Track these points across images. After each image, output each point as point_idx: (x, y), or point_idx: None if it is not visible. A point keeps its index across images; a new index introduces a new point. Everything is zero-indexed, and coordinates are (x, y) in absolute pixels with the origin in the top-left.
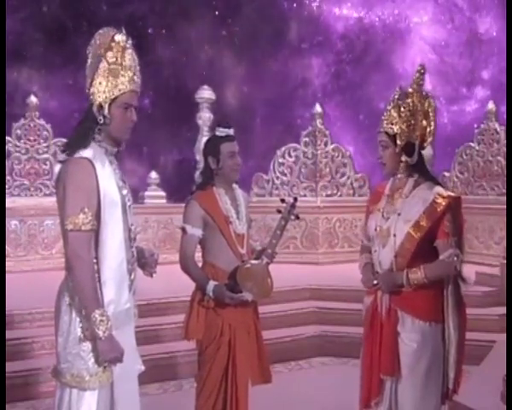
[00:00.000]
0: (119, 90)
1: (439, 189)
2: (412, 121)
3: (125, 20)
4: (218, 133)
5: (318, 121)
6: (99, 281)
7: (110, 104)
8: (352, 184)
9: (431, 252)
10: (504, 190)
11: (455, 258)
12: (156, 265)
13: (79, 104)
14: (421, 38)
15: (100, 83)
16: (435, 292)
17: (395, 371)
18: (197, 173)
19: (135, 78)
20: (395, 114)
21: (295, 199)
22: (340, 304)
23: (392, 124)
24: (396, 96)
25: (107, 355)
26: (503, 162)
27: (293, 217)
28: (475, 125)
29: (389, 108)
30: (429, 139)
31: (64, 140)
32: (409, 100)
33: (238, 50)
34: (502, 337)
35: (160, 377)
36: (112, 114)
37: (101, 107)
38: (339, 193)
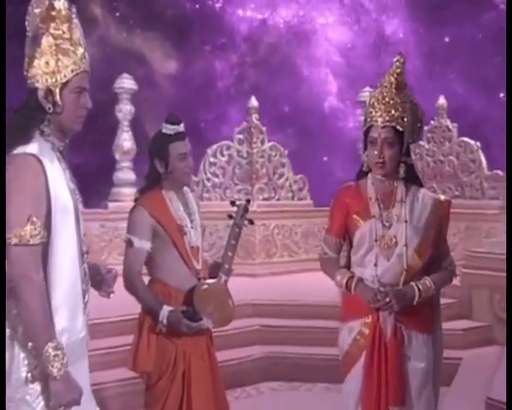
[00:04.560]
0: (72, 71)
1: (431, 193)
2: (413, 117)
3: None
4: (165, 131)
5: (254, 116)
6: (49, 306)
7: (61, 88)
8: (290, 186)
9: (429, 260)
10: (457, 193)
11: (454, 265)
12: (114, 283)
13: None
14: (327, 39)
15: (47, 63)
16: (427, 303)
17: (405, 400)
18: (116, 175)
19: (86, 54)
20: (400, 108)
21: (248, 201)
22: (287, 321)
23: (401, 119)
24: (394, 85)
25: (64, 398)
26: (456, 162)
27: (246, 222)
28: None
29: (394, 98)
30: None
31: None
32: (406, 91)
33: (139, 52)
34: (467, 354)
35: None
36: (63, 100)
37: (49, 92)
38: (276, 196)
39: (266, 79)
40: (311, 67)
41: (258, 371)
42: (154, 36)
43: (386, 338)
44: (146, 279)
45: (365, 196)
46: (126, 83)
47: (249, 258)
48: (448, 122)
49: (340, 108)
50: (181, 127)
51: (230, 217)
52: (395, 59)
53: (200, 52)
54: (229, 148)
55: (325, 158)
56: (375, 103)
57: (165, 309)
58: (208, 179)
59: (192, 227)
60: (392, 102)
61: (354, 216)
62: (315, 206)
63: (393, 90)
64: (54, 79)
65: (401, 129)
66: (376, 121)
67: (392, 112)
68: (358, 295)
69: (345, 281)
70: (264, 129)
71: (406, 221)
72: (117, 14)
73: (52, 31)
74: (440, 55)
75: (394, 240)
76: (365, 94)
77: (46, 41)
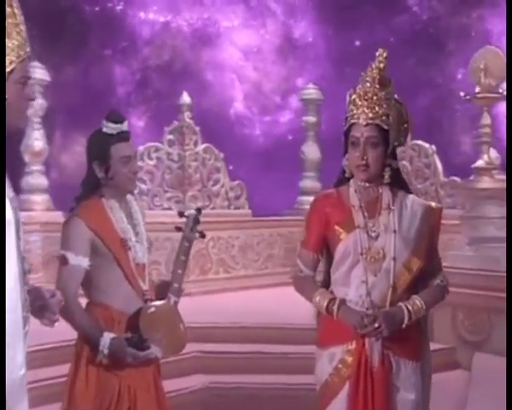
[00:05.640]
0: (18, 57)
1: (421, 200)
2: (398, 116)
3: None
4: (105, 130)
5: (186, 115)
6: None
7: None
8: (226, 193)
9: (419, 277)
10: None
11: (447, 280)
12: (59, 309)
13: None
14: (232, 43)
15: None
16: (415, 325)
17: None
18: (25, 180)
19: (27, 37)
20: (385, 104)
21: (199, 211)
22: (230, 346)
23: (386, 116)
24: (378, 80)
25: None
26: (409, 167)
27: (197, 235)
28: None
29: (378, 93)
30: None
31: None
32: (390, 88)
33: (36, 56)
34: (439, 378)
35: None
36: (7, 92)
37: None
38: (211, 205)
39: (169, 85)
40: (215, 71)
41: (199, 405)
42: (52, 39)
43: (372, 367)
44: (83, 302)
45: (347, 204)
46: (38, 73)
47: None
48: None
49: (246, 115)
50: (124, 126)
51: (179, 229)
52: (377, 53)
53: (99, 56)
54: (157, 150)
55: (231, 167)
56: (357, 100)
57: (107, 336)
58: None
59: (137, 241)
60: (375, 98)
61: (336, 227)
62: (253, 215)
63: (377, 86)
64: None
65: (386, 127)
66: (358, 119)
67: (376, 109)
68: (342, 320)
69: (325, 303)
70: (197, 129)
71: (395, 231)
72: None
73: None
74: (351, 59)
75: (382, 252)
76: (308, 91)
77: None
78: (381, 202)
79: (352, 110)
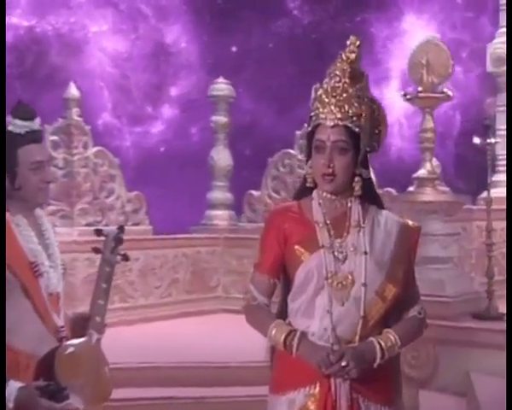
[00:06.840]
0: None
1: (396, 216)
2: (371, 117)
3: None
4: (12, 128)
5: (74, 111)
6: None
7: None
8: (123, 206)
9: (394, 308)
10: None
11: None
12: None
13: None
14: (101, 49)
15: None
16: (388, 365)
17: None
18: None
19: None
20: (356, 103)
21: (121, 229)
22: (136, 391)
23: (357, 117)
24: (348, 74)
25: None
26: None
27: (119, 258)
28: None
29: (348, 90)
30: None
31: None
32: (363, 83)
33: None
34: None
35: None
36: None
37: None
38: (104, 220)
39: (34, 93)
40: (83, 79)
41: None
42: None
43: None
44: None
45: (310, 219)
46: None
47: (70, 306)
48: None
49: (115, 125)
50: (35, 124)
51: (97, 251)
52: (348, 42)
53: None
54: None
55: None
56: (324, 97)
57: (13, 386)
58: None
59: (51, 266)
60: (345, 95)
61: (296, 247)
62: (156, 233)
63: (347, 81)
64: None
65: (357, 130)
66: (325, 120)
67: (346, 108)
68: (302, 357)
69: (283, 337)
70: (87, 128)
71: (366, 252)
72: None
73: None
74: (227, 66)
75: (350, 278)
76: (219, 87)
77: None
78: (349, 218)
79: (318, 109)
